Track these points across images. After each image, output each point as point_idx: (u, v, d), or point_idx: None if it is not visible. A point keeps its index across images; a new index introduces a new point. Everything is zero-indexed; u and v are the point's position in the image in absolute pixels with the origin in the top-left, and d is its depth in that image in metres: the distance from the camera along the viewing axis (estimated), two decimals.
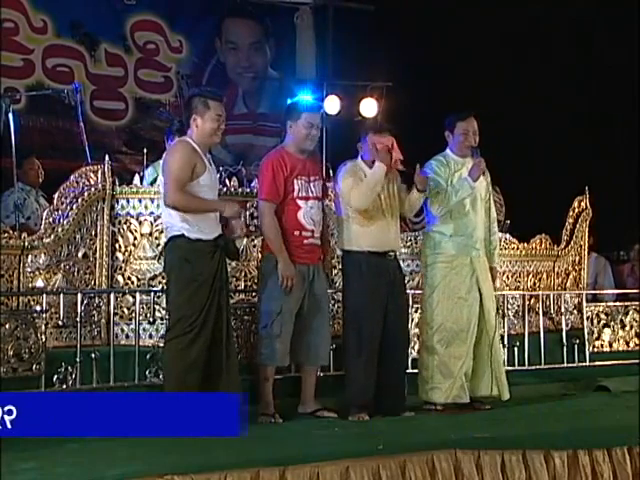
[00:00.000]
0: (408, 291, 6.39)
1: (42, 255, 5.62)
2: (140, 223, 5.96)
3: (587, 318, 7.41)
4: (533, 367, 6.94)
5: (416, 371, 6.01)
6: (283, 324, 5.40)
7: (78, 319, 5.48)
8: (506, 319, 6.93)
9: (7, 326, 5.15)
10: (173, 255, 5.17)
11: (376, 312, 5.58)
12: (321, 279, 5.67)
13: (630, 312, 7.66)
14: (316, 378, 5.72)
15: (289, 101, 8.28)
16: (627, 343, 7.60)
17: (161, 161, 6.89)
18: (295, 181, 5.52)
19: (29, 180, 7.41)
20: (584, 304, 7.47)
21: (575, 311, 7.48)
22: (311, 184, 5.60)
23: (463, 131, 6.00)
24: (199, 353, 5.05)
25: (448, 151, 6.08)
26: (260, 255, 5.82)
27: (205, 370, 5.09)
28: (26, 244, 5.53)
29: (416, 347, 6.23)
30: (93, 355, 5.41)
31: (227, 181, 6.17)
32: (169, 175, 5.15)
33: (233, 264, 5.85)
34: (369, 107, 11.01)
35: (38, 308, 5.39)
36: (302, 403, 5.67)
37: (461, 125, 6.01)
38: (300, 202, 5.53)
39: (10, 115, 6.70)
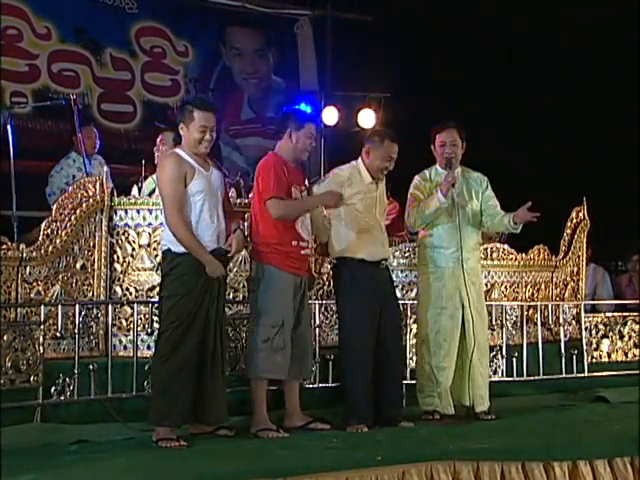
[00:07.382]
0: (407, 302, 6.42)
1: (40, 266, 5.61)
2: (138, 234, 5.95)
3: (585, 329, 7.41)
4: (532, 378, 6.93)
5: (414, 382, 6.04)
6: (285, 337, 5.34)
7: (76, 330, 5.48)
8: (504, 330, 6.93)
9: (5, 337, 5.14)
10: (163, 268, 5.14)
11: (371, 321, 5.56)
12: (307, 291, 5.64)
13: (628, 323, 7.66)
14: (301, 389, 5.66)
15: (291, 107, 8.24)
16: (625, 354, 7.60)
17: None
18: (293, 189, 5.46)
19: (86, 148, 7.51)
20: (582, 315, 7.46)
21: (573, 322, 7.47)
22: (302, 194, 5.54)
23: (440, 143, 5.96)
24: (180, 375, 4.93)
25: (436, 165, 6.05)
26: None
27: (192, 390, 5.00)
28: (24, 255, 5.52)
29: (414, 358, 6.22)
30: (91, 366, 5.40)
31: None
32: (164, 195, 5.07)
33: (231, 275, 5.87)
34: (367, 118, 11.06)
35: (36, 319, 5.37)
36: (288, 417, 5.53)
37: (439, 137, 5.97)
38: None
39: (9, 127, 6.69)
